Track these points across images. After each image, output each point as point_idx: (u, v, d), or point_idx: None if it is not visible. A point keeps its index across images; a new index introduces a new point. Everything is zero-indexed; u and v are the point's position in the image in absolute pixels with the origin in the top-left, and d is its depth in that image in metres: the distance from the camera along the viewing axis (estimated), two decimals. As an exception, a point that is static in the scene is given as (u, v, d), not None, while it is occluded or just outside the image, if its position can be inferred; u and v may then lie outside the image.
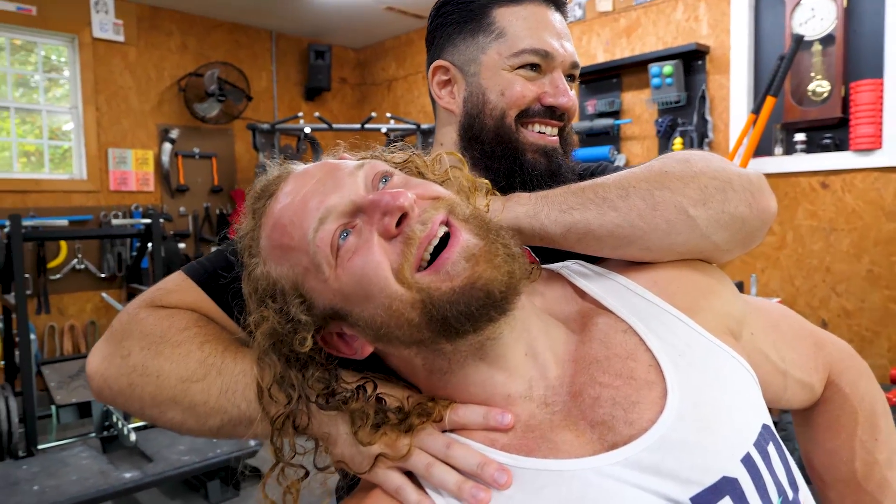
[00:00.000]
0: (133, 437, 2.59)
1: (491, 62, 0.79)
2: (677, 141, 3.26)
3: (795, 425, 0.77)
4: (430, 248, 0.52)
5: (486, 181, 0.66)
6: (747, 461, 0.50)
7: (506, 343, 0.54)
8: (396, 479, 0.54)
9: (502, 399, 0.55)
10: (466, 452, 0.52)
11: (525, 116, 0.79)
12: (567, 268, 0.66)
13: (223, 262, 0.72)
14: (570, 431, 0.52)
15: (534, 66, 0.78)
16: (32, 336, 3.09)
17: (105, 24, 4.05)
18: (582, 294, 0.63)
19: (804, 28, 2.85)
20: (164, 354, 0.62)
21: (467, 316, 0.50)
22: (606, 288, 0.62)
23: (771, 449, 0.53)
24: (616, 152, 3.54)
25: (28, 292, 3.70)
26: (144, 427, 2.93)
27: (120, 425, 2.71)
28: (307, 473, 0.58)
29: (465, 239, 0.52)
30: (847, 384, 0.71)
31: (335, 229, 0.53)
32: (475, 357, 0.54)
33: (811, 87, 2.87)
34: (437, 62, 0.84)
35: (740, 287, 2.88)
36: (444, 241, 0.53)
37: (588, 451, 0.51)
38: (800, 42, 2.79)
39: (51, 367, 3.14)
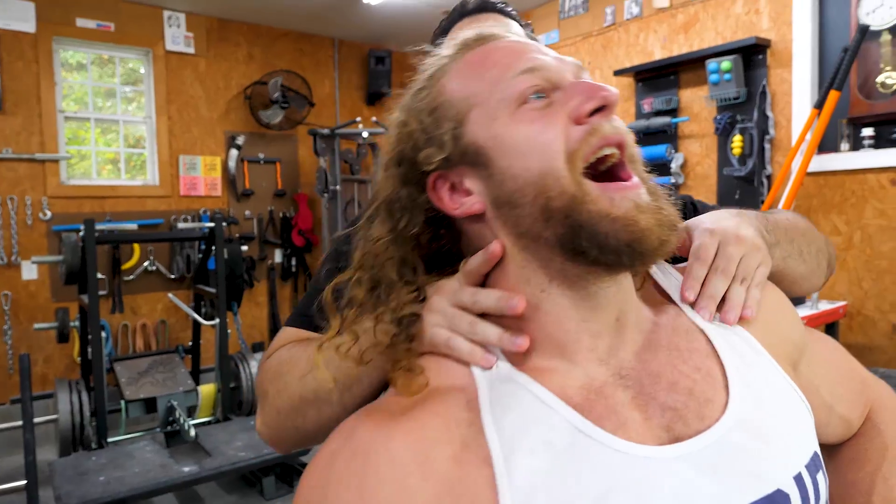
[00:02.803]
0: (193, 432, 2.70)
1: None
2: (737, 139, 3.17)
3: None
4: (608, 151, 0.52)
5: None
6: (799, 480, 0.51)
7: (607, 300, 0.53)
8: (444, 333, 0.55)
9: (578, 352, 0.53)
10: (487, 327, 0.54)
11: None
12: None
13: (314, 292, 0.84)
14: (640, 412, 0.51)
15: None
16: (104, 334, 3.29)
17: (177, 38, 4.30)
18: (658, 287, 0.62)
19: (871, 17, 2.72)
20: (283, 374, 0.72)
21: (602, 245, 0.49)
22: (678, 288, 0.61)
23: (819, 477, 0.54)
24: (673, 151, 3.47)
25: (103, 293, 3.95)
26: (205, 423, 3.09)
27: (182, 421, 2.84)
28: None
29: (639, 189, 0.51)
30: (883, 422, 0.71)
31: (533, 85, 0.53)
32: (573, 295, 0.53)
33: (880, 78, 2.73)
34: None
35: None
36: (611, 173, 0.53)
37: (654, 438, 0.50)
38: (865, 33, 2.66)
39: (122, 363, 3.30)
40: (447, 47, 0.60)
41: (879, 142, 2.77)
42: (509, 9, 0.92)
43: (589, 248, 0.49)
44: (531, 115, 0.52)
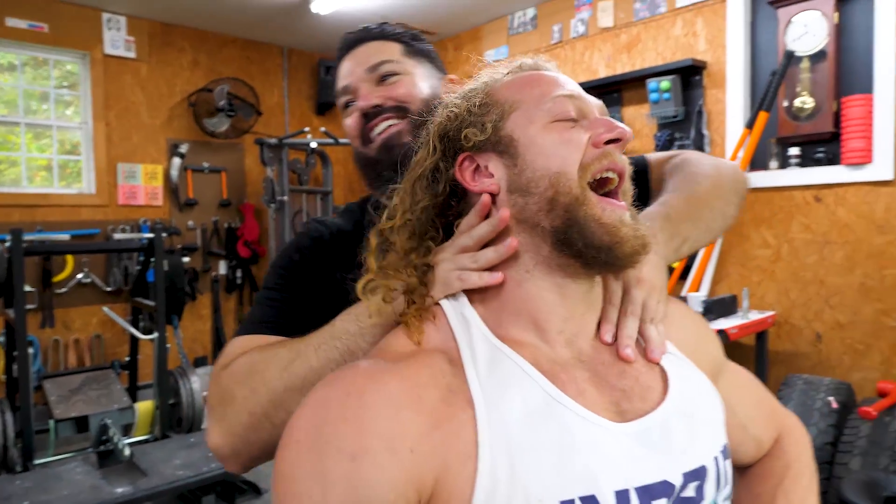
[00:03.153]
0: (127, 451, 2.61)
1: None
2: (674, 155, 3.30)
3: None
4: (610, 175, 0.64)
5: None
6: (716, 461, 0.63)
7: (578, 293, 0.64)
8: (454, 273, 0.65)
9: (548, 330, 0.63)
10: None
11: (366, 128, 0.92)
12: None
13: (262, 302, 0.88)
14: (595, 389, 0.61)
15: (349, 104, 0.94)
16: (32, 350, 3.13)
17: (117, 41, 4.17)
18: None
19: (797, 44, 2.89)
20: (257, 372, 0.71)
21: (588, 241, 0.61)
22: None
23: (728, 463, 0.66)
24: (614, 166, 3.58)
25: (33, 306, 3.76)
26: (141, 442, 2.97)
27: (115, 440, 2.73)
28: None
29: (625, 211, 0.63)
30: (788, 444, 0.81)
31: (568, 110, 0.65)
32: (552, 281, 0.63)
33: (797, 102, 2.90)
34: None
35: (733, 301, 2.91)
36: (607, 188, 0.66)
37: (606, 412, 0.59)
38: (791, 58, 2.83)
39: (52, 381, 3.15)
40: (502, 66, 0.73)
41: (804, 161, 2.94)
42: (391, 30, 0.96)
43: (577, 241, 0.61)
44: (561, 129, 0.64)
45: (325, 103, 5.03)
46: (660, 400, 0.63)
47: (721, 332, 2.55)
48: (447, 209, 0.70)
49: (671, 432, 0.60)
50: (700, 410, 0.65)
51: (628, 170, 0.66)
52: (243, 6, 4.04)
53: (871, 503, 1.80)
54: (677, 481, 0.58)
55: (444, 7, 4.00)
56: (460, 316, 0.63)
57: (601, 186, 0.64)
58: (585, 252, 0.61)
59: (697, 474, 0.61)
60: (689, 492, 0.60)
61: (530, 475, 0.53)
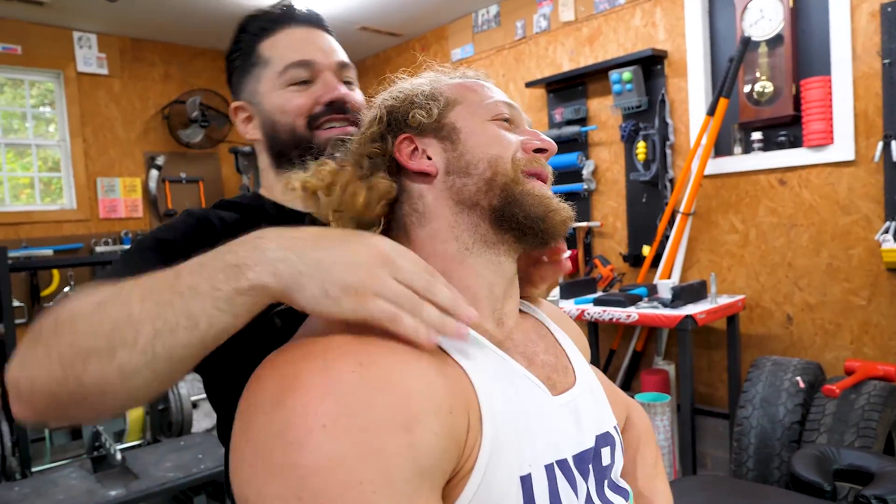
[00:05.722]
0: (119, 455, 2.68)
1: (266, 88, 0.91)
2: (641, 145, 3.32)
3: None
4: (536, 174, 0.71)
5: None
6: (616, 430, 0.75)
7: (509, 271, 0.70)
8: (389, 309, 0.52)
9: (483, 309, 0.67)
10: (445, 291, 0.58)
11: (315, 122, 0.89)
12: None
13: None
14: (529, 363, 0.67)
15: (304, 82, 0.89)
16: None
17: (89, 59, 4.20)
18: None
19: (754, 29, 2.91)
20: (71, 312, 0.55)
21: (526, 213, 0.67)
22: (528, 307, 0.81)
23: (620, 436, 0.76)
24: (584, 158, 3.60)
25: (23, 321, 3.83)
26: (133, 447, 3.03)
27: (108, 445, 2.80)
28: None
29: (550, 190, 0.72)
30: (637, 419, 0.94)
31: (505, 113, 0.73)
32: (488, 258, 0.68)
33: (757, 87, 2.92)
34: (234, 104, 0.97)
35: (703, 286, 2.93)
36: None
37: (544, 384, 0.65)
38: (747, 43, 2.84)
39: (42, 392, 3.24)
40: (447, 74, 0.77)
41: (767, 145, 2.96)
42: (326, 25, 0.98)
43: (517, 213, 0.67)
44: (501, 126, 0.72)
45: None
46: (574, 376, 0.72)
47: (689, 318, 2.58)
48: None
49: (586, 403, 0.69)
50: (596, 386, 0.76)
51: (550, 177, 0.74)
52: (211, 19, 4.06)
53: (821, 477, 1.81)
54: (591, 444, 0.67)
55: (409, 7, 4.01)
56: None
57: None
58: (524, 223, 0.67)
59: (606, 439, 0.70)
60: (606, 459, 0.69)
61: (522, 442, 0.57)
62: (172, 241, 0.77)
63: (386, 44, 4.79)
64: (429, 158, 0.70)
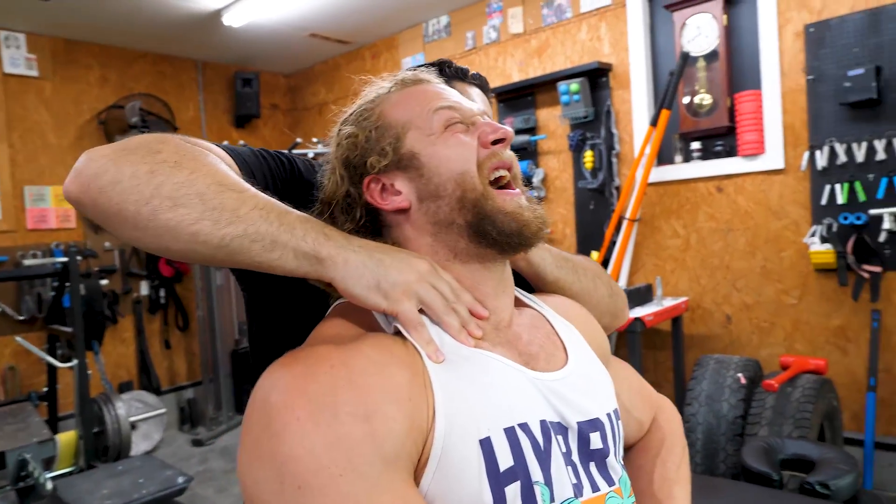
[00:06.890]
0: (49, 485, 2.51)
1: None
2: (588, 154, 3.44)
3: None
4: (502, 173, 0.73)
5: None
6: (608, 418, 0.74)
7: (497, 272, 0.74)
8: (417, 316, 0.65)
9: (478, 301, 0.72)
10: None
11: None
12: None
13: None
14: (508, 351, 0.70)
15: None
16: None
17: (17, 59, 3.98)
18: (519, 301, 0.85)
19: (692, 45, 3.08)
20: (202, 161, 0.64)
21: (500, 229, 0.70)
22: (534, 301, 0.85)
23: (619, 423, 0.77)
24: (534, 167, 3.70)
25: (-57, 338, 3.57)
26: (65, 474, 2.86)
27: (36, 474, 2.61)
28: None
29: (521, 196, 0.73)
30: (663, 421, 0.94)
31: (454, 117, 0.74)
32: (471, 267, 0.73)
33: (697, 99, 3.10)
34: None
35: (649, 290, 3.06)
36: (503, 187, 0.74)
37: (510, 356, 0.69)
38: (686, 58, 3.01)
39: (-37, 415, 3.00)
40: (386, 80, 0.79)
41: (706, 154, 3.13)
42: (487, 85, 1.08)
43: (491, 231, 0.70)
44: (456, 135, 0.73)
45: (244, 115, 4.95)
46: (563, 365, 0.74)
47: (638, 320, 2.69)
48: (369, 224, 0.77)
49: (572, 389, 0.71)
50: (594, 374, 0.77)
51: (516, 161, 0.76)
52: (152, 21, 3.94)
53: (769, 466, 1.94)
54: (573, 426, 0.69)
55: (359, 15, 4.02)
56: None
57: (496, 183, 0.73)
58: (500, 239, 0.70)
59: (595, 424, 0.71)
60: (597, 443, 0.71)
61: (478, 407, 0.61)
62: (300, 171, 0.91)
63: (336, 51, 4.77)
64: (399, 192, 0.72)
